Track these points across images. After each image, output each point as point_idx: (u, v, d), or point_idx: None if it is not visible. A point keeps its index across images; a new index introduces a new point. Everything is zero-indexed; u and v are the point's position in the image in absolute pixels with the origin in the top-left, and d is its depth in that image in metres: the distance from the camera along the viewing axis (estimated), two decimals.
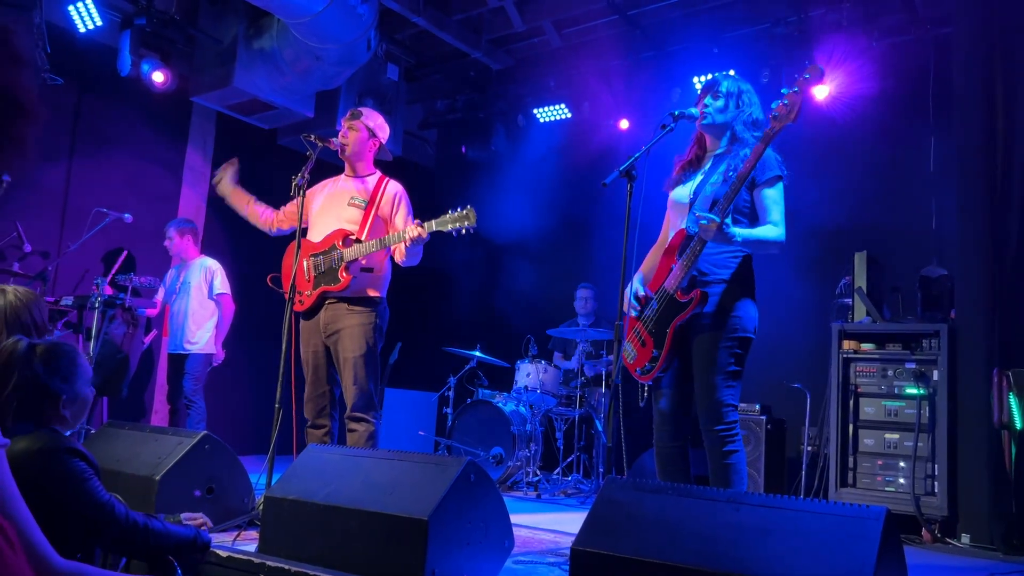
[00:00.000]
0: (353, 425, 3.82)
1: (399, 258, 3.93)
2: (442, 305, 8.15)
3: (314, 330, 3.92)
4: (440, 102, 8.05)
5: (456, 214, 3.63)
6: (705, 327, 3.02)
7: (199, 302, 5.75)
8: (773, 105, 2.85)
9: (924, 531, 4.44)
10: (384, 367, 7.36)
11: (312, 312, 3.93)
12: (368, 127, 4.07)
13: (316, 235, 4.00)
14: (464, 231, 3.63)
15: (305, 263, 3.95)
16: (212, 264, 5.92)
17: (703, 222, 2.83)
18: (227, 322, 5.90)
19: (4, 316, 2.52)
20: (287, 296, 3.82)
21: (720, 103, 3.17)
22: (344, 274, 3.82)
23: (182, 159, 7.07)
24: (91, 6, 5.74)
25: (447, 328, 7.61)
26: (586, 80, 7.16)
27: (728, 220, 2.85)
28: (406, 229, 3.74)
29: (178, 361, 5.70)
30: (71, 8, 5.74)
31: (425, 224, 3.69)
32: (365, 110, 4.14)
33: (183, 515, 2.57)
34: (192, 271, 5.85)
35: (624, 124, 7.10)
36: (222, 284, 5.87)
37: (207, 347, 5.73)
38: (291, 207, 4.18)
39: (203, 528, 2.52)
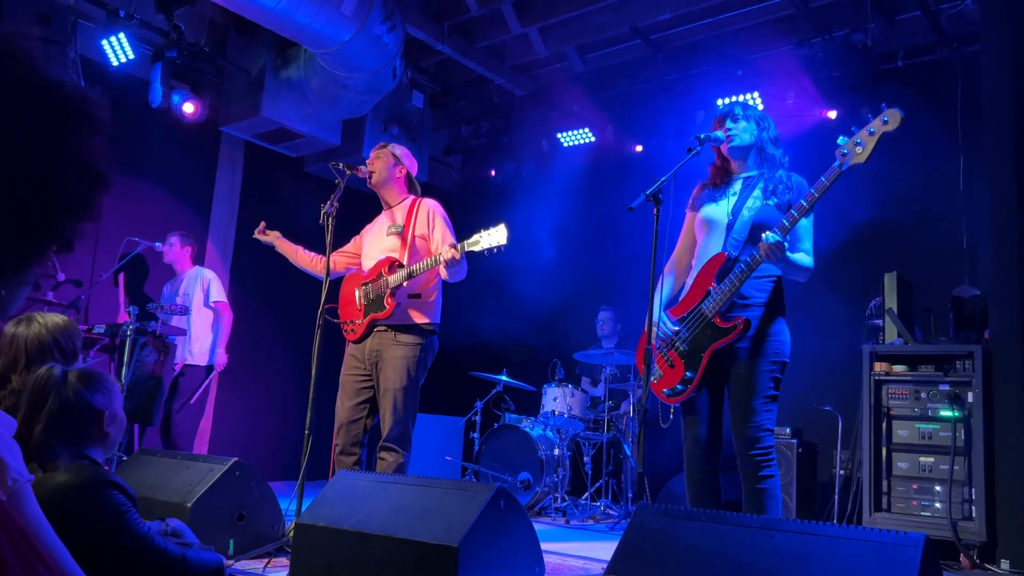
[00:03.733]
0: (384, 455, 3.81)
1: (444, 276, 3.89)
2: (468, 329, 8.15)
3: (360, 357, 3.94)
4: (465, 128, 8.12)
5: (487, 233, 3.62)
6: (744, 351, 3.00)
7: (198, 312, 5.79)
8: (841, 141, 2.80)
9: (962, 557, 4.35)
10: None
11: (361, 339, 3.96)
12: (394, 154, 4.13)
13: (366, 267, 4.07)
14: (495, 250, 3.62)
15: (356, 292, 4.00)
16: (207, 273, 5.96)
17: (770, 241, 2.81)
18: (227, 329, 5.88)
19: (25, 346, 2.57)
20: (342, 326, 3.91)
21: (742, 124, 3.18)
22: (389, 300, 3.85)
23: (212, 187, 7.18)
24: (124, 40, 5.86)
25: (473, 352, 7.61)
26: (609, 104, 7.19)
27: (786, 243, 2.85)
28: (440, 252, 3.74)
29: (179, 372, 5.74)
30: (104, 42, 5.87)
31: (458, 245, 3.68)
32: (393, 143, 4.24)
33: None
34: (189, 283, 5.88)
35: (643, 148, 7.13)
36: (218, 292, 5.89)
37: (203, 358, 5.75)
38: (345, 249, 4.26)
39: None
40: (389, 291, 3.84)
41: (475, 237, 3.65)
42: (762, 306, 3.04)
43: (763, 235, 2.85)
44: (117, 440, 2.35)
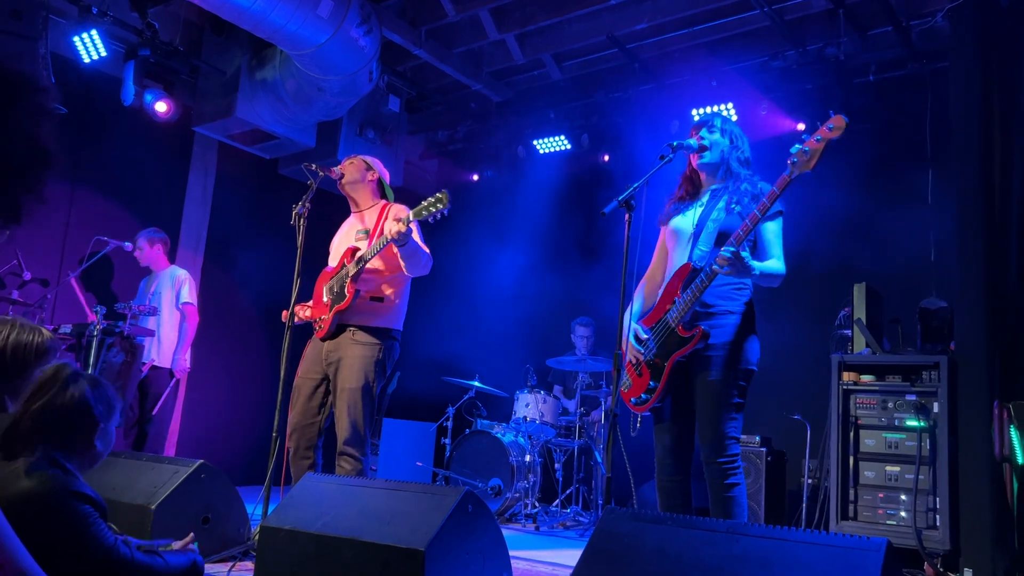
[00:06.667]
0: (342, 462, 3.74)
1: (404, 267, 3.82)
2: (441, 334, 8.14)
3: (316, 358, 3.88)
4: (441, 133, 8.11)
5: (430, 199, 3.55)
6: (709, 360, 3.02)
7: (169, 312, 5.71)
8: (793, 150, 2.82)
9: (927, 565, 4.39)
10: (383, 397, 7.33)
11: (327, 337, 3.87)
12: (366, 161, 4.13)
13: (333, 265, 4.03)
14: (441, 215, 3.54)
15: (324, 288, 3.95)
16: (181, 273, 5.87)
17: (726, 255, 2.84)
18: (191, 334, 5.78)
19: None
20: (313, 323, 3.86)
21: (716, 136, 3.22)
22: (350, 286, 3.76)
23: (184, 188, 7.11)
24: (96, 37, 5.79)
25: (446, 357, 7.60)
26: (585, 112, 7.22)
27: (747, 253, 2.88)
28: (387, 226, 3.66)
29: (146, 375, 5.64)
30: (76, 39, 5.79)
31: (403, 218, 3.60)
32: (364, 155, 4.21)
33: (174, 544, 2.54)
34: (162, 282, 5.80)
35: (618, 155, 7.17)
36: (189, 294, 5.79)
37: (169, 360, 5.67)
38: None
39: (192, 546, 2.51)
40: (350, 278, 3.78)
41: (418, 207, 3.58)
42: (729, 314, 3.06)
43: (722, 249, 2.88)
44: (101, 458, 2.31)
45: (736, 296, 3.10)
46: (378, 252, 3.75)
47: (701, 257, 3.06)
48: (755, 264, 2.93)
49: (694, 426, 3.10)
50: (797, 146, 2.84)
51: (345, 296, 3.77)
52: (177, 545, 2.52)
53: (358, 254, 3.83)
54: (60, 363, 2.26)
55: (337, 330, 3.85)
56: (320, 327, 3.90)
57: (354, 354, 3.77)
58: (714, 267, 2.89)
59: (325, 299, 3.91)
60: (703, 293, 2.99)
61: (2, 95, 1.03)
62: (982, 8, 4.64)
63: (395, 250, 3.74)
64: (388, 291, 3.90)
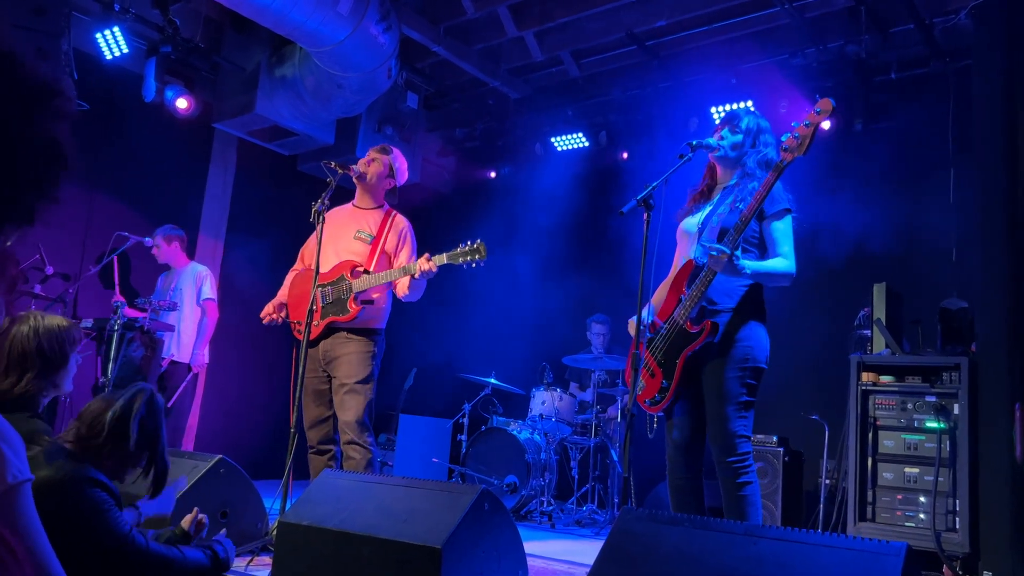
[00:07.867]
0: (351, 452, 3.83)
1: (401, 292, 3.93)
2: (458, 331, 8.16)
3: (315, 357, 3.97)
4: (459, 130, 8.12)
5: (466, 248, 3.66)
6: (715, 357, 3.00)
7: (190, 308, 5.78)
8: (783, 138, 2.87)
9: (945, 568, 4.36)
10: (400, 393, 7.37)
11: (316, 341, 3.96)
12: (391, 166, 4.16)
13: (322, 265, 4.01)
14: (475, 264, 3.65)
15: (313, 293, 3.96)
16: (202, 270, 5.95)
17: (713, 253, 2.83)
18: (210, 329, 5.87)
19: (10, 349, 2.49)
20: (292, 324, 3.89)
21: (737, 138, 3.18)
22: (353, 305, 3.87)
23: (204, 184, 7.16)
24: (118, 34, 5.84)
25: (462, 354, 7.62)
26: (603, 109, 7.20)
27: (738, 252, 2.85)
28: (416, 262, 3.75)
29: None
30: (99, 35, 5.85)
31: (435, 258, 3.70)
32: (396, 150, 4.24)
33: (183, 522, 2.58)
34: (184, 278, 5.87)
35: (636, 153, 7.14)
36: (210, 290, 5.89)
37: (185, 356, 5.72)
38: (305, 247, 4.28)
39: (198, 520, 2.56)
40: (353, 295, 3.87)
41: (453, 251, 3.68)
42: (733, 311, 3.04)
43: (713, 246, 2.86)
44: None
45: (740, 292, 3.07)
46: (391, 280, 3.86)
47: (704, 253, 3.04)
48: (746, 264, 2.88)
49: (703, 424, 3.09)
50: (787, 134, 2.85)
51: (348, 311, 3.89)
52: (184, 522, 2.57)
53: (363, 275, 3.90)
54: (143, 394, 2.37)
55: (329, 332, 3.95)
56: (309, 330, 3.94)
57: (351, 350, 3.90)
58: (710, 264, 2.89)
59: (315, 305, 3.94)
60: (709, 289, 2.97)
61: (19, 99, 1.05)
62: (1006, 5, 4.59)
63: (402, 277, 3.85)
64: (376, 295, 4.00)
